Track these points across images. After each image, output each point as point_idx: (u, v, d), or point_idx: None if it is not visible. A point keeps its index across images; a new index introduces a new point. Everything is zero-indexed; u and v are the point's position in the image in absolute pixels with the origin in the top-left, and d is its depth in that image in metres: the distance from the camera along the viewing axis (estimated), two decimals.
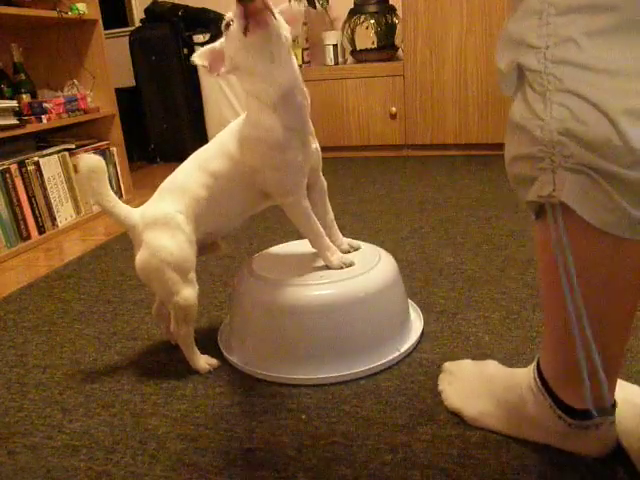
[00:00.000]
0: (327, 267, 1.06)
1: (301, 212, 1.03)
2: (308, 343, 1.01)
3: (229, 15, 0.90)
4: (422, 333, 1.12)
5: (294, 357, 1.02)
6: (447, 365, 0.97)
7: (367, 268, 1.06)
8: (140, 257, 1.00)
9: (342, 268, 1.05)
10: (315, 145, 1.04)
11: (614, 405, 0.74)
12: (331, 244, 1.07)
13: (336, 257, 1.06)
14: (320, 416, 0.91)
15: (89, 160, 0.96)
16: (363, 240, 1.23)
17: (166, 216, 1.00)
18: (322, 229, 1.06)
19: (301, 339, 1.02)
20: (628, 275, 0.62)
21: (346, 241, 1.15)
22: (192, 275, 1.01)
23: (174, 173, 1.06)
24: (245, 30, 0.86)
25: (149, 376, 1.07)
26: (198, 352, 1.06)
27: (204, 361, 1.06)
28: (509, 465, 0.77)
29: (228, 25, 0.90)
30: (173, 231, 0.99)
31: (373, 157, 3.10)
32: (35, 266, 1.82)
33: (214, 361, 1.07)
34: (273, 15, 0.87)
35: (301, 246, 1.24)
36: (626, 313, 0.66)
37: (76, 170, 2.30)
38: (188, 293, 1.00)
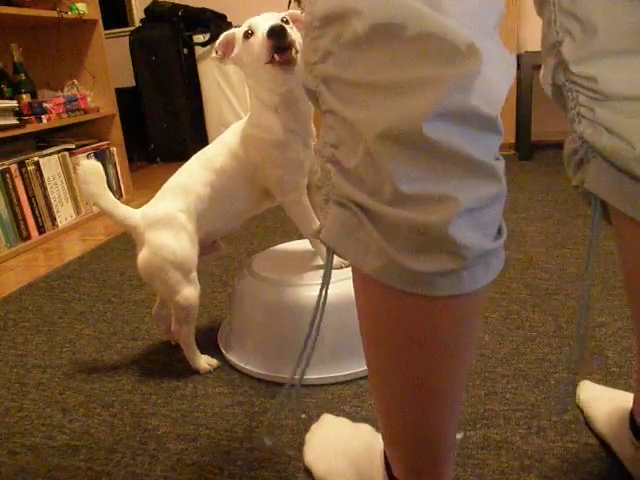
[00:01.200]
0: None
1: (300, 210, 1.03)
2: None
3: (251, 25, 0.94)
4: None
5: (294, 357, 1.02)
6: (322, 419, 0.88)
7: None
8: (142, 256, 1.00)
9: (341, 268, 1.05)
10: None
11: None
12: None
13: (337, 258, 1.06)
14: (320, 416, 0.91)
15: (87, 165, 0.97)
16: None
17: (168, 215, 1.00)
18: None
19: (301, 339, 1.02)
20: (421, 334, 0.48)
21: None
22: (194, 275, 1.01)
23: (176, 174, 1.06)
24: (270, 62, 0.90)
25: (149, 376, 1.07)
26: (198, 352, 1.06)
27: (204, 361, 1.07)
28: (509, 465, 0.77)
29: (248, 35, 0.93)
30: (176, 230, 0.99)
31: None
32: (35, 266, 1.82)
33: (214, 361, 1.07)
34: (297, 51, 0.90)
35: (301, 246, 1.24)
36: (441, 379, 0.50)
37: (76, 171, 2.31)
38: (189, 292, 1.00)
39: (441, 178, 0.40)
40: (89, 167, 0.97)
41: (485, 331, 1.13)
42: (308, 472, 0.78)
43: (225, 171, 1.02)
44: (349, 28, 0.40)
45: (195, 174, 1.03)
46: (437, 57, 0.37)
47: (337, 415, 0.90)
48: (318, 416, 0.90)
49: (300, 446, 0.84)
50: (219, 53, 0.99)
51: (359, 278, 0.50)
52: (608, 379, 0.94)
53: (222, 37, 0.99)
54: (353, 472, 0.73)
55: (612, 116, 0.55)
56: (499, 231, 0.50)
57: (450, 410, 0.53)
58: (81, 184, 0.98)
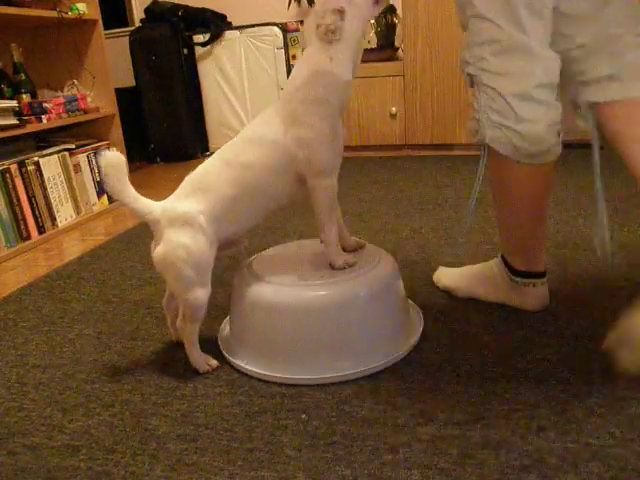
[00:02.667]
0: (329, 264, 1.07)
1: (332, 195, 1.05)
2: (308, 343, 1.01)
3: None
4: (422, 333, 1.12)
5: (294, 357, 1.02)
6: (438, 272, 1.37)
7: (367, 268, 1.06)
8: (159, 250, 1.00)
9: (344, 269, 1.05)
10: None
11: (544, 273, 1.17)
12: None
13: (342, 257, 1.07)
14: (320, 416, 0.91)
15: (109, 156, 0.97)
16: (363, 240, 1.23)
17: (188, 214, 1.00)
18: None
19: (301, 339, 1.02)
20: (531, 186, 1.07)
21: (354, 239, 1.16)
22: (208, 277, 1.02)
23: (202, 168, 1.06)
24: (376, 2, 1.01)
25: (149, 376, 1.07)
26: (200, 351, 1.06)
27: (204, 360, 1.07)
28: (509, 465, 0.77)
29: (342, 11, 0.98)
30: (194, 231, 0.99)
31: (373, 157, 3.10)
32: (35, 266, 1.82)
33: (214, 362, 1.07)
34: None
35: (301, 246, 1.24)
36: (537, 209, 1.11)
37: (76, 171, 2.30)
38: (200, 293, 1.01)
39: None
40: (110, 159, 0.97)
41: (485, 331, 1.13)
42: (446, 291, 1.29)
43: (254, 163, 1.02)
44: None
45: (219, 174, 1.03)
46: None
47: (337, 415, 0.90)
48: (318, 416, 0.90)
49: (300, 446, 0.84)
50: (335, 24, 0.96)
51: (501, 162, 1.04)
52: (608, 379, 0.94)
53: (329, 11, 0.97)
54: (479, 279, 1.25)
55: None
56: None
57: (544, 223, 1.13)
58: (103, 176, 0.99)
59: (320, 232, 1.07)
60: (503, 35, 0.94)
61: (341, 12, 0.97)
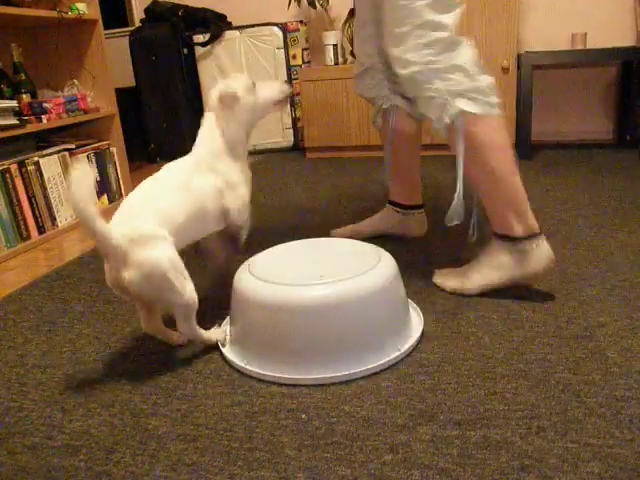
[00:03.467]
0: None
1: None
2: (308, 343, 1.01)
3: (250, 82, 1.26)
4: (422, 333, 1.12)
5: (294, 357, 1.02)
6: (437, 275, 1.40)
7: (367, 268, 1.06)
8: (137, 274, 0.98)
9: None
10: None
11: (541, 232, 1.23)
12: None
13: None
14: (320, 416, 0.91)
15: (77, 172, 0.91)
16: (363, 240, 1.23)
17: (150, 229, 1.02)
18: None
19: (301, 339, 1.02)
20: (504, 136, 1.21)
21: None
22: (186, 272, 1.06)
23: (143, 190, 1.13)
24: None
25: (149, 376, 1.07)
26: (205, 331, 1.13)
27: (214, 332, 1.15)
28: (509, 465, 0.77)
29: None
30: (161, 240, 1.02)
31: (373, 157, 3.10)
32: (35, 266, 1.81)
33: (221, 334, 1.15)
34: None
35: (301, 246, 1.24)
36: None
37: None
38: (191, 288, 1.06)
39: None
40: (78, 175, 0.91)
41: (485, 331, 1.13)
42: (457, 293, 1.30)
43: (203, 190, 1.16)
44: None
45: (171, 196, 1.11)
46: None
47: (337, 415, 0.90)
48: (318, 416, 0.91)
49: (300, 446, 0.84)
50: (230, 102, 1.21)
51: (475, 124, 1.19)
52: (608, 379, 0.94)
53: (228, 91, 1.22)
54: (489, 269, 1.27)
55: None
56: None
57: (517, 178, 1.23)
58: (68, 190, 0.99)
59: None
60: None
61: (234, 97, 1.20)
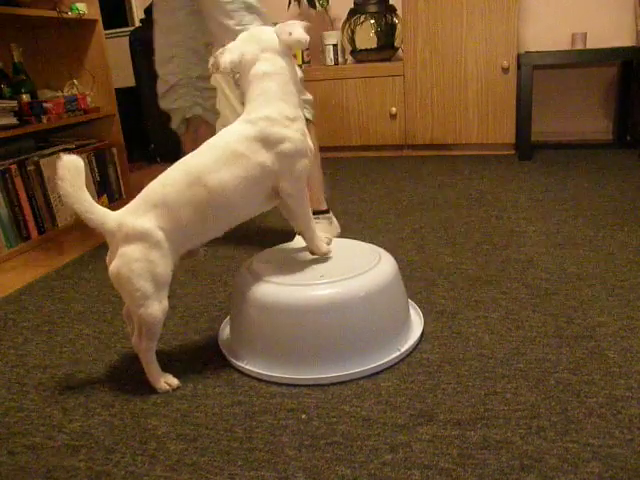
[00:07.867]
0: (311, 253, 1.12)
1: (307, 199, 1.08)
2: (308, 343, 1.01)
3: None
4: (422, 333, 1.12)
5: (294, 357, 1.02)
6: None
7: (367, 268, 1.06)
8: (114, 265, 0.96)
9: (328, 254, 1.12)
10: None
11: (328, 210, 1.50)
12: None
13: (326, 245, 1.12)
14: (320, 416, 0.91)
15: (66, 160, 0.92)
16: (363, 240, 1.23)
17: (146, 231, 0.96)
18: None
19: (301, 339, 1.02)
20: None
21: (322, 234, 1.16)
22: (164, 292, 0.98)
23: (161, 181, 1.00)
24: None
25: None
26: (159, 369, 1.02)
27: (163, 379, 1.02)
28: (509, 465, 0.77)
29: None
30: (151, 246, 0.96)
31: (373, 157, 3.10)
32: (35, 266, 1.81)
33: (174, 381, 1.02)
34: None
35: (301, 246, 1.24)
36: None
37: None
38: (154, 309, 0.96)
39: None
40: (67, 162, 0.92)
41: (485, 331, 1.13)
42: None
43: (224, 185, 0.99)
44: None
45: (183, 192, 0.98)
46: None
47: (337, 415, 0.90)
48: (318, 416, 0.90)
49: (300, 446, 0.84)
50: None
51: None
52: (608, 379, 0.94)
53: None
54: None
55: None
56: None
57: None
58: (57, 180, 0.94)
59: (297, 228, 1.12)
60: None
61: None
